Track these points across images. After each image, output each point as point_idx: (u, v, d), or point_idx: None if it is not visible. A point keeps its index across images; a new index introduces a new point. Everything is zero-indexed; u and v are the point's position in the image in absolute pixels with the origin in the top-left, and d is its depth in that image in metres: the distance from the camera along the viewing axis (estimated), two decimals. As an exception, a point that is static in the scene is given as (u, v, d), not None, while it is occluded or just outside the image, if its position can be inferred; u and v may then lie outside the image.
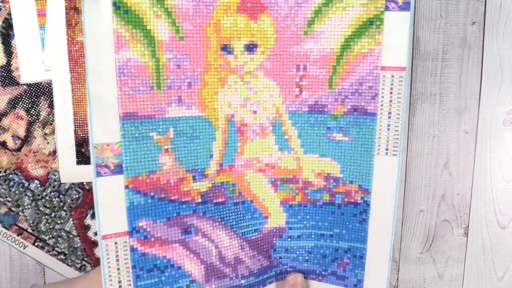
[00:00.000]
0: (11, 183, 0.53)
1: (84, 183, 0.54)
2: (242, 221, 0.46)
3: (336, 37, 0.43)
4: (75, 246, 0.55)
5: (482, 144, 0.58)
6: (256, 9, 0.42)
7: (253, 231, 0.46)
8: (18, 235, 0.54)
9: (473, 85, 0.57)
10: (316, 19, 0.43)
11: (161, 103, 0.41)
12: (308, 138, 0.45)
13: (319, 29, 0.43)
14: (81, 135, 0.52)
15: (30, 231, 0.54)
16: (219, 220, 0.44)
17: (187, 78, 0.42)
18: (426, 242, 0.60)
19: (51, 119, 0.52)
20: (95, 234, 0.55)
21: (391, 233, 0.45)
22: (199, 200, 0.43)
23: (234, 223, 0.45)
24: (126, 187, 0.40)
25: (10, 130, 0.52)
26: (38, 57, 0.51)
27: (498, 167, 0.59)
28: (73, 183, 0.54)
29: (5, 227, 0.54)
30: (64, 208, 0.54)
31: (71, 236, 0.55)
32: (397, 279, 0.61)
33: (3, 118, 0.52)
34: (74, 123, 0.52)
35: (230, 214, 0.45)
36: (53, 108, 0.52)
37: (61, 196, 0.54)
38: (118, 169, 0.40)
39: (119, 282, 0.41)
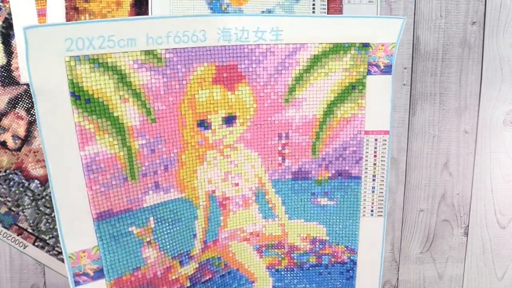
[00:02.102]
0: (11, 183, 0.53)
1: (84, 183, 0.54)
2: None
3: (318, 103, 0.42)
4: (75, 246, 0.55)
5: (482, 144, 0.58)
6: (233, 79, 0.40)
7: None
8: (18, 235, 0.54)
9: (473, 85, 0.57)
10: (297, 86, 0.42)
11: (138, 193, 0.38)
12: (293, 205, 0.45)
13: (301, 96, 0.42)
14: (81, 135, 0.52)
15: (30, 231, 0.54)
16: None
17: (163, 162, 0.38)
18: (426, 242, 0.60)
19: (51, 119, 0.52)
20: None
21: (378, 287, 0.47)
22: (188, 284, 0.42)
23: None
24: None
25: (10, 130, 0.52)
26: (38, 57, 0.51)
27: (498, 167, 0.59)
28: (73, 183, 0.54)
29: (5, 227, 0.54)
30: (64, 208, 0.54)
31: (71, 236, 0.55)
32: (397, 279, 0.61)
33: (3, 118, 0.52)
34: (74, 123, 0.52)
35: None
36: (53, 108, 0.52)
37: (61, 196, 0.54)
38: (99, 274, 0.37)
39: None
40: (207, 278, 0.43)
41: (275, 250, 0.46)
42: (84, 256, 0.36)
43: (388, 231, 0.59)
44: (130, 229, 0.38)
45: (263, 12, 0.48)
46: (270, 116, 0.42)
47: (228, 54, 0.39)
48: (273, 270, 0.46)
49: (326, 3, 0.52)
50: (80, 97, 0.34)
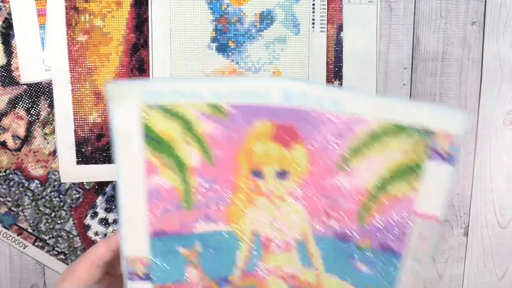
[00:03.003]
0: (11, 183, 0.53)
1: (84, 183, 0.54)
2: None
3: (371, 176, 0.42)
4: (75, 246, 0.55)
5: (482, 144, 0.58)
6: (290, 139, 0.42)
7: None
8: (18, 235, 0.54)
9: (473, 85, 0.57)
10: (352, 156, 0.42)
11: (189, 220, 0.43)
12: (331, 260, 0.45)
13: (355, 167, 0.42)
14: (81, 135, 0.52)
15: (30, 231, 0.54)
16: None
17: (216, 199, 0.43)
18: (426, 242, 0.60)
19: (51, 119, 0.52)
20: (95, 234, 0.55)
21: None
22: None
23: None
24: None
25: (10, 130, 0.52)
26: (38, 57, 0.51)
27: (498, 167, 0.59)
28: (73, 183, 0.54)
29: (5, 227, 0.54)
30: (64, 208, 0.54)
31: (71, 236, 0.55)
32: (397, 279, 0.61)
33: (3, 118, 0.52)
34: (74, 123, 0.52)
35: None
36: (53, 108, 0.52)
37: (61, 196, 0.54)
38: (147, 277, 0.43)
39: None
40: None
41: None
42: (138, 261, 0.42)
43: (388, 231, 0.59)
44: (178, 248, 0.43)
45: (263, 12, 0.49)
46: (322, 179, 0.43)
47: (288, 115, 0.41)
48: None
49: (326, 3, 0.52)
50: (153, 138, 0.40)
